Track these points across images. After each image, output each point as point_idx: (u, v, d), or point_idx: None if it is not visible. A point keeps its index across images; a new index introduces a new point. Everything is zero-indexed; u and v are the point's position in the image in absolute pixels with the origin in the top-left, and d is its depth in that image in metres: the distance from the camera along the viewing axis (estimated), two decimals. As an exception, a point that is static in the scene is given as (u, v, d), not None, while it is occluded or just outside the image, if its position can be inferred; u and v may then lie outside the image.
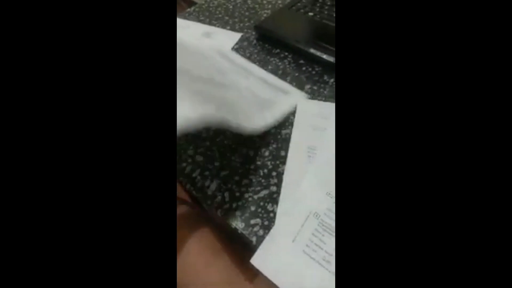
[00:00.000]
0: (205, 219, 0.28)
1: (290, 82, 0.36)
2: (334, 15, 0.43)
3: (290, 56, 0.40)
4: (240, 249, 0.26)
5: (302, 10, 0.44)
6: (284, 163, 0.28)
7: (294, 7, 0.45)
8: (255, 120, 0.27)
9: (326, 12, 0.44)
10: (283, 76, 0.37)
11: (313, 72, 0.38)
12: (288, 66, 0.38)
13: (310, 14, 0.44)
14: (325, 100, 0.34)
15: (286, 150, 0.29)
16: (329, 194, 0.25)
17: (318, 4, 0.45)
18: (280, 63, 0.39)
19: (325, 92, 0.35)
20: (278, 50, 0.41)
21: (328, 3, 0.46)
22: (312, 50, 0.38)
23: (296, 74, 0.37)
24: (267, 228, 0.23)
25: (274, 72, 0.37)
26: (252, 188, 0.26)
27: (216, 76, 0.31)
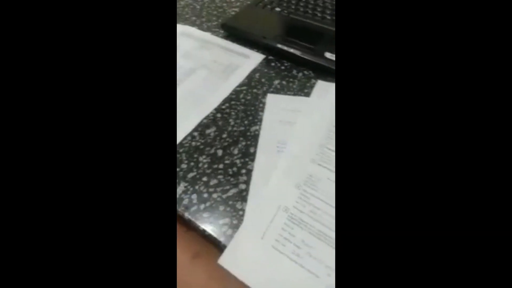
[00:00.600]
0: (180, 222, 0.28)
1: (259, 78, 0.36)
2: (302, 9, 0.43)
3: (258, 52, 0.39)
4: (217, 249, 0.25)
5: (269, 6, 0.44)
6: (253, 160, 0.28)
7: (261, 4, 0.45)
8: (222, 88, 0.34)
9: (293, 7, 0.44)
10: (252, 72, 0.37)
11: (282, 68, 0.37)
12: (257, 63, 0.38)
13: (277, 9, 0.44)
14: (294, 94, 0.34)
15: (256, 147, 0.29)
16: (298, 186, 0.25)
17: (285, -1, 0.45)
18: (248, 60, 0.38)
19: (294, 86, 0.35)
20: (247, 48, 0.40)
21: (295, -2, 0.46)
22: (279, 45, 0.37)
23: (265, 70, 0.37)
24: (236, 227, 0.23)
25: (242, 69, 0.37)
26: (221, 188, 0.26)
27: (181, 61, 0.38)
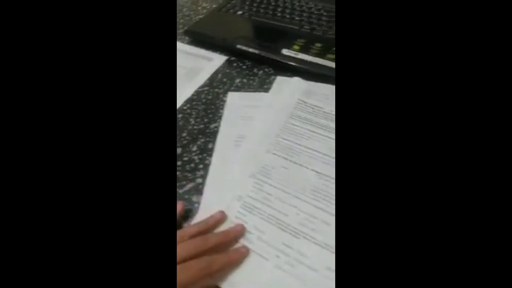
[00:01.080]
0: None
1: (221, 78, 0.37)
2: (262, 11, 0.45)
3: (221, 54, 0.41)
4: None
5: (231, 11, 0.46)
6: (211, 155, 0.28)
7: (224, 9, 0.47)
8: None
9: (254, 9, 0.45)
10: (214, 74, 0.38)
11: (244, 67, 0.39)
12: (219, 64, 0.39)
13: (239, 13, 0.45)
14: (254, 91, 0.35)
15: (214, 143, 0.29)
16: (253, 176, 0.26)
17: (247, 3, 0.47)
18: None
19: (255, 83, 0.36)
20: (210, 51, 0.42)
21: (258, 0, 0.47)
22: (238, 46, 0.39)
23: (227, 71, 0.38)
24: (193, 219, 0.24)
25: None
26: (178, 184, 0.26)
27: None
